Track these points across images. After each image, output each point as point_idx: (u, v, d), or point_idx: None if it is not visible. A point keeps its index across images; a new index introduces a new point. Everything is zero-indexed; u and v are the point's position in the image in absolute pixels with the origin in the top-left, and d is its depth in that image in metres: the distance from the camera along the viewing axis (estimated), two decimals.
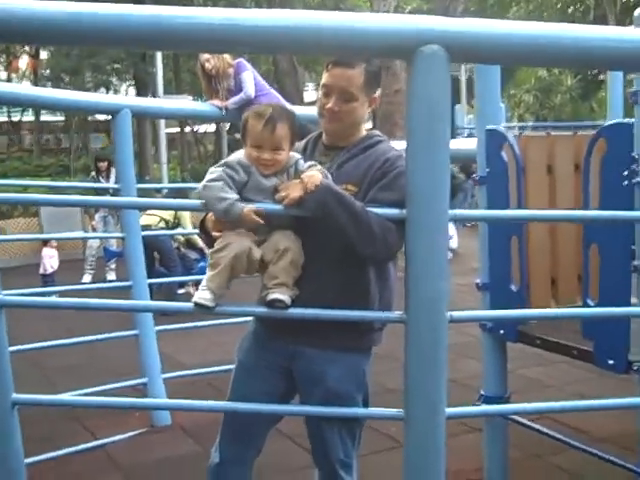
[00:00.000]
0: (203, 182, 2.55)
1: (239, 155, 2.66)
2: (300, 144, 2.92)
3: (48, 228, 13.57)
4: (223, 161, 2.66)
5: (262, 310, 2.64)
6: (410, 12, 27.38)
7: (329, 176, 2.65)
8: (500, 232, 3.76)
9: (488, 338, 3.91)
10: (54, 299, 2.93)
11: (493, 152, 3.82)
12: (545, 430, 3.97)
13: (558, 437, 3.96)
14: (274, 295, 2.54)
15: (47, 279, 10.40)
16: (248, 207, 2.47)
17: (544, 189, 3.98)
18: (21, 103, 7.74)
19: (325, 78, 2.77)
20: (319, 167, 2.67)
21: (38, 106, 5.69)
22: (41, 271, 10.53)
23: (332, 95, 2.75)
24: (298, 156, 2.72)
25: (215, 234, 2.61)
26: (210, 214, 2.64)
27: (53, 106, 6.81)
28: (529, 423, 3.96)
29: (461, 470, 4.24)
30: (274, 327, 2.86)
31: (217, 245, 2.58)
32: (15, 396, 2.61)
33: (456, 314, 2.43)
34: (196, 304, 2.54)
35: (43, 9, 2.11)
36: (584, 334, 3.36)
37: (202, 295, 2.54)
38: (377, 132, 2.93)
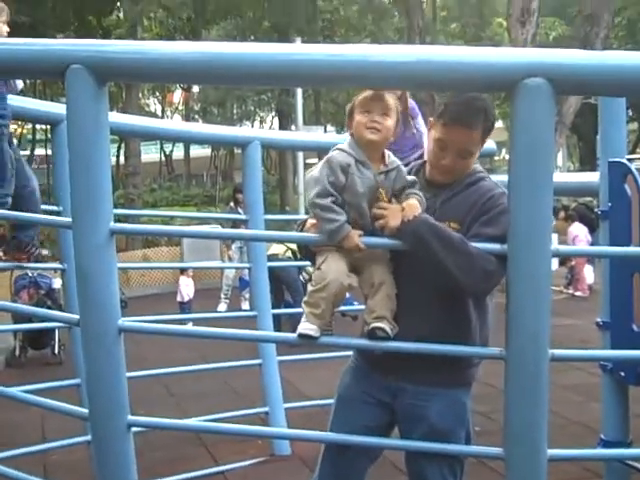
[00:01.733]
0: (311, 196, 2.60)
1: (340, 157, 2.65)
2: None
3: (188, 257, 14.05)
4: (326, 158, 2.67)
5: (364, 342, 2.65)
6: (554, 39, 26.93)
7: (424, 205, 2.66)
8: (622, 269, 3.62)
9: (608, 380, 3.75)
10: (174, 327, 3.04)
11: (616, 185, 3.69)
12: None
13: None
14: (375, 324, 2.57)
15: (184, 306, 10.78)
16: (354, 232, 2.52)
17: None
18: (167, 137, 8.27)
19: (442, 133, 2.70)
20: (418, 195, 2.67)
21: (181, 140, 6.04)
22: (178, 299, 10.93)
23: (448, 151, 2.71)
24: (399, 162, 2.73)
25: (315, 248, 2.67)
26: (309, 223, 2.69)
27: (190, 139, 7.15)
28: None
29: None
30: (375, 363, 2.84)
31: (315, 281, 2.62)
32: (130, 418, 2.68)
33: (558, 352, 2.36)
34: (300, 335, 2.58)
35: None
36: None
37: (307, 326, 2.58)
38: (479, 167, 2.88)
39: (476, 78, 2.34)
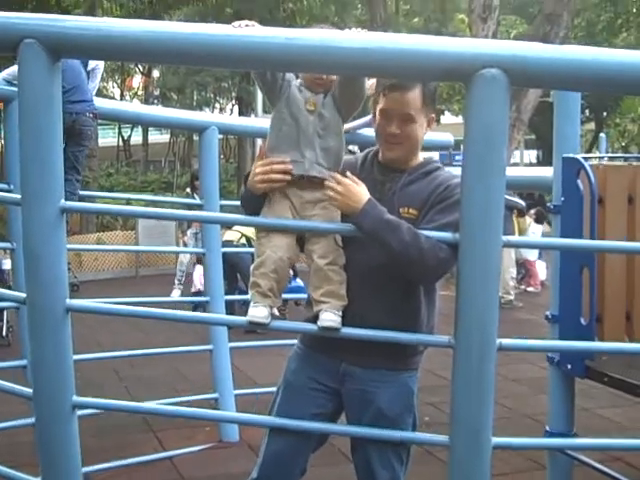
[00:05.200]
0: None
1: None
2: (358, 157, 2.94)
3: (143, 241, 13.94)
4: None
5: (314, 327, 2.64)
6: (515, 37, 27.17)
7: None
8: (571, 263, 3.65)
9: (554, 372, 3.78)
10: (121, 307, 2.99)
11: (569, 180, 3.73)
12: (614, 474, 3.78)
13: None
14: (326, 323, 2.56)
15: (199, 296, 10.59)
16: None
17: (623, 220, 3.85)
18: (125, 119, 8.19)
19: (383, 103, 2.76)
20: None
21: (138, 122, 6.00)
22: (193, 290, 10.88)
23: (392, 119, 2.75)
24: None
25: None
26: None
27: (147, 122, 7.09)
28: (596, 464, 3.77)
29: None
30: (322, 347, 2.85)
31: (255, 256, 2.65)
32: (75, 399, 2.64)
33: (505, 341, 2.39)
34: (251, 322, 2.57)
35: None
36: None
37: (256, 312, 2.58)
38: (435, 159, 2.94)
39: (433, 67, 2.35)
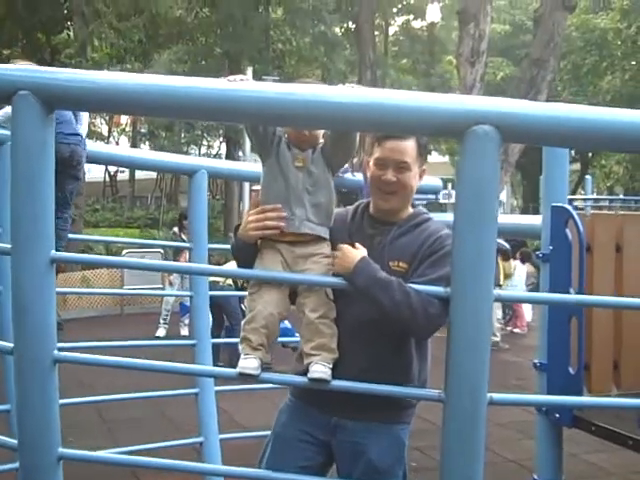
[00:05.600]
0: None
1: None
2: (348, 210, 2.95)
3: (129, 280, 13.89)
4: None
5: (304, 380, 2.62)
6: (502, 79, 27.47)
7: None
8: (559, 312, 3.66)
9: (542, 421, 3.77)
10: (110, 358, 2.96)
11: (557, 229, 3.75)
12: None
13: None
14: (316, 374, 2.53)
15: None
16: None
17: (611, 269, 3.88)
18: (118, 163, 8.17)
19: (379, 152, 2.79)
20: None
21: (131, 166, 5.99)
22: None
23: (387, 167, 2.77)
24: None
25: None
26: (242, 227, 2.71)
27: (136, 166, 7.13)
28: None
29: None
30: (313, 400, 2.85)
31: (247, 311, 2.64)
32: (61, 450, 2.61)
33: (496, 396, 2.37)
34: (240, 373, 2.55)
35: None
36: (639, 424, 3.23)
37: (246, 364, 2.55)
38: (424, 210, 2.95)
39: (426, 123, 2.36)
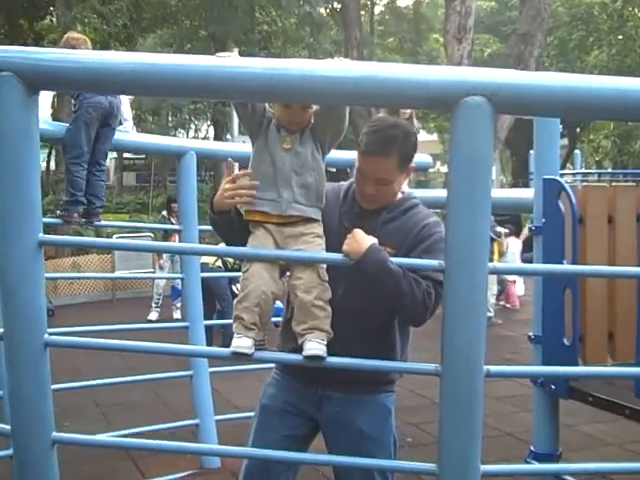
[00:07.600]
0: None
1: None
2: (342, 187, 2.93)
3: (120, 265, 13.83)
4: None
5: (298, 358, 2.59)
6: (489, 55, 27.42)
7: None
8: (553, 284, 3.66)
9: (539, 393, 3.79)
10: (102, 340, 2.93)
11: (550, 202, 3.74)
12: None
13: None
14: (312, 351, 2.50)
15: None
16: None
17: (603, 240, 3.87)
18: None
19: (360, 162, 2.75)
20: None
21: (118, 148, 5.89)
22: None
23: (368, 180, 2.74)
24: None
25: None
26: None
27: (125, 148, 7.07)
28: None
29: None
30: (299, 374, 2.88)
31: (239, 290, 2.61)
32: (55, 435, 2.59)
33: (493, 368, 2.36)
34: (233, 353, 2.53)
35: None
36: (636, 393, 3.23)
37: (239, 343, 2.53)
38: (413, 194, 2.95)
39: (418, 95, 2.33)
